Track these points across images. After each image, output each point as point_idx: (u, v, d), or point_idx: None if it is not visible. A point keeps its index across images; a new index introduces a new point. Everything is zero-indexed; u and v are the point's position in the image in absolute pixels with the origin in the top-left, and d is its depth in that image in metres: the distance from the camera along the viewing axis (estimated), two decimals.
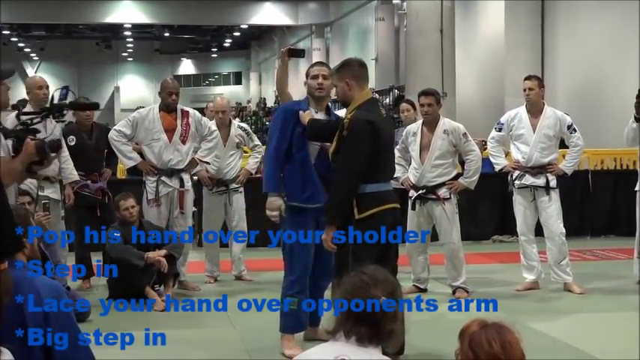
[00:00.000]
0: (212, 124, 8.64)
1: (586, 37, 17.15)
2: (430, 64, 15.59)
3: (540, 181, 8.12)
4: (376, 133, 5.33)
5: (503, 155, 8.50)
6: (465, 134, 7.89)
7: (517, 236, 8.41)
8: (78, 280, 8.43)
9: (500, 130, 8.37)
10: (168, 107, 8.24)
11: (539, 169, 8.13)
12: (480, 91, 21.92)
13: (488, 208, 11.71)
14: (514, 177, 8.25)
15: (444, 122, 7.95)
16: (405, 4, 18.62)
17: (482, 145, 11.79)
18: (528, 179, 8.15)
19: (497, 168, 8.54)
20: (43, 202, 7.48)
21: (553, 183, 8.13)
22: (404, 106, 9.47)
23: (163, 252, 7.66)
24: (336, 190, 5.43)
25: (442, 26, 15.67)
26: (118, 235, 7.68)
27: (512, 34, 18.73)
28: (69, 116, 8.65)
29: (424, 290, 8.12)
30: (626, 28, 15.68)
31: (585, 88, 16.99)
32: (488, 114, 19.66)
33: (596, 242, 11.42)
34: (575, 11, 17.68)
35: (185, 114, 8.32)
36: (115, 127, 8.37)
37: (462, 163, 8.37)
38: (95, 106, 8.03)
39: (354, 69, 5.55)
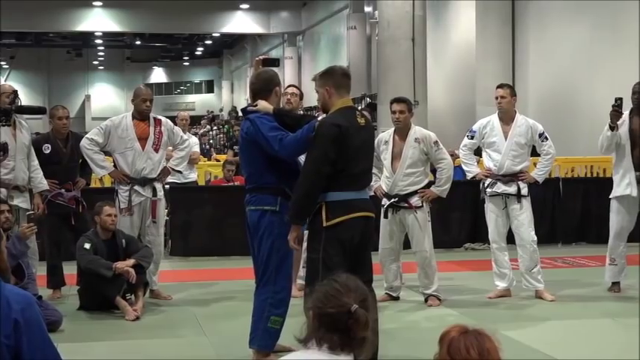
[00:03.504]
0: (186, 134, 8.63)
1: (557, 46, 17.29)
2: (402, 72, 15.62)
3: (512, 189, 8.16)
4: (343, 137, 5.29)
5: (475, 163, 8.54)
6: (436, 142, 7.91)
7: (489, 244, 8.44)
8: (49, 290, 8.36)
9: (472, 137, 8.42)
10: (141, 115, 8.22)
11: (510, 177, 8.16)
12: (452, 100, 22.02)
13: (460, 215, 11.76)
14: (486, 185, 8.29)
15: (416, 130, 7.97)
16: (376, 12, 18.66)
17: (456, 156, 11.85)
18: (500, 187, 8.18)
19: (469, 176, 8.58)
20: (27, 213, 7.46)
21: (524, 191, 8.17)
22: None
23: (132, 262, 7.60)
24: (295, 190, 5.43)
25: (414, 35, 15.70)
26: (88, 245, 7.63)
27: (484, 43, 18.84)
28: (44, 124, 8.62)
29: (396, 298, 8.14)
30: (597, 37, 15.83)
31: (556, 97, 17.12)
32: (460, 122, 19.75)
33: (567, 250, 11.49)
34: (546, 20, 17.82)
35: (158, 122, 8.30)
36: (87, 136, 8.33)
37: (434, 171, 8.41)
38: (42, 111, 8.01)
39: (336, 77, 5.55)
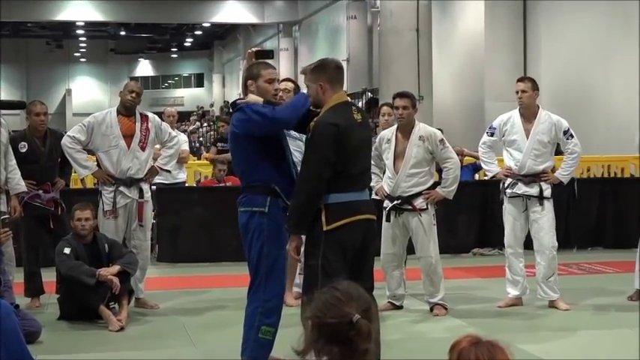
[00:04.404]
0: (174, 131, 8.63)
1: (571, 37, 17.29)
2: (405, 65, 15.63)
3: (533, 190, 8.11)
4: (342, 137, 5.29)
5: (495, 161, 8.50)
6: (442, 140, 7.91)
7: (499, 249, 8.45)
8: (27, 298, 8.35)
9: (492, 134, 8.37)
10: (127, 110, 8.21)
11: (532, 178, 8.12)
12: (459, 95, 22.02)
13: (467, 218, 11.77)
14: (506, 185, 8.25)
15: (420, 128, 7.96)
16: (378, 1, 18.69)
17: (463, 155, 11.87)
18: (521, 188, 8.13)
19: (489, 175, 8.58)
20: (2, 217, 7.44)
21: (547, 192, 8.12)
22: (385, 109, 9.33)
23: (116, 269, 7.57)
24: (295, 197, 5.42)
25: (418, 25, 15.71)
26: (68, 249, 7.61)
27: (493, 34, 18.85)
28: (22, 122, 8.61)
29: (400, 307, 8.13)
30: (612, 28, 15.84)
31: (570, 92, 17.12)
32: (467, 119, 19.78)
33: (582, 255, 11.49)
34: (559, 10, 17.82)
35: (144, 118, 8.29)
36: (68, 133, 8.32)
37: (440, 171, 8.40)
38: (21, 105, 8.00)
39: (329, 72, 5.52)
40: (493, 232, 11.38)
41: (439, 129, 8.58)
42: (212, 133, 32.28)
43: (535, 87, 8.20)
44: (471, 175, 12.65)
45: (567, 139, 8.18)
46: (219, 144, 13.52)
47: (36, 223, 8.41)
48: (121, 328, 7.32)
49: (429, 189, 7.95)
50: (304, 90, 5.93)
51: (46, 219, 8.43)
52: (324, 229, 5.29)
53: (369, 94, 25.60)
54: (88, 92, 56.83)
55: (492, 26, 18.95)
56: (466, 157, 12.37)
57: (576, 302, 8.29)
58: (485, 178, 13.36)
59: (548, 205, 8.13)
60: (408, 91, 8.31)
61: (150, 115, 8.47)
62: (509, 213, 8.24)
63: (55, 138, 8.53)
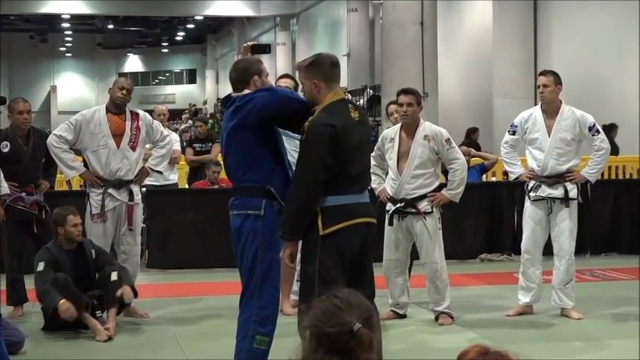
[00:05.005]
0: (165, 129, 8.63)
1: (584, 31, 17.32)
2: (409, 61, 15.64)
3: (558, 191, 8.04)
4: (339, 138, 5.27)
5: (519, 162, 8.43)
6: (448, 140, 7.90)
7: (508, 254, 8.44)
8: (9, 307, 8.34)
9: (514, 133, 8.31)
10: (116, 107, 8.21)
11: (556, 179, 8.06)
12: (465, 92, 22.06)
13: (474, 222, 11.76)
14: (529, 188, 8.20)
15: (425, 126, 7.96)
16: None
17: (470, 155, 11.86)
18: (544, 190, 8.06)
19: (512, 177, 8.54)
20: None
21: (573, 193, 8.04)
22: (393, 107, 9.32)
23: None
24: (290, 201, 5.39)
25: (422, 18, 15.72)
26: (42, 264, 7.53)
27: (501, 28, 18.88)
28: (4, 120, 8.60)
29: (403, 316, 8.13)
30: (629, 20, 15.85)
31: (583, 89, 17.11)
32: (474, 117, 19.78)
33: (595, 261, 11.47)
34: (571, 2, 17.85)
35: (135, 117, 8.28)
36: (54, 132, 8.32)
37: (445, 172, 8.40)
38: (2, 101, 7.99)
39: (324, 69, 5.51)
40: (501, 236, 11.39)
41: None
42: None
43: (558, 81, 8.09)
44: (478, 177, 12.65)
45: (593, 135, 8.07)
46: (195, 145, 13.46)
47: (19, 227, 8.39)
48: (109, 338, 7.31)
49: (434, 191, 7.94)
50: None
51: (30, 223, 8.41)
52: (321, 233, 5.28)
53: (371, 91, 25.60)
54: (73, 89, 56.91)
55: (501, 20, 18.98)
56: (473, 158, 12.38)
57: (590, 311, 8.27)
58: (493, 179, 13.41)
59: (573, 207, 8.06)
60: (413, 88, 8.30)
61: (141, 112, 8.47)
62: (530, 217, 8.19)
63: (39, 137, 8.52)
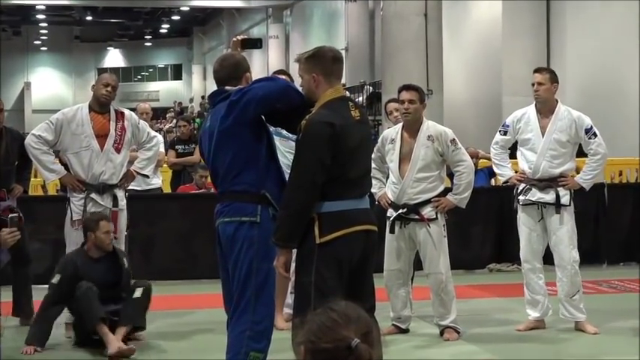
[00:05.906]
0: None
1: (601, 23, 17.34)
2: (412, 55, 15.67)
3: (549, 196, 8.11)
4: (338, 138, 5.28)
5: (509, 164, 8.50)
6: (453, 141, 7.91)
7: (518, 264, 8.45)
8: None
9: (505, 133, 8.37)
10: (100, 105, 8.21)
11: (547, 182, 8.13)
12: (473, 89, 22.08)
13: (482, 229, 11.78)
14: (519, 191, 8.28)
15: (429, 126, 7.97)
16: None
17: (477, 157, 11.88)
18: (535, 194, 8.14)
19: (501, 180, 8.57)
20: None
21: (565, 199, 8.12)
22: (392, 106, 9.35)
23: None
24: (285, 205, 5.39)
25: (426, 9, 15.76)
26: (58, 277, 7.58)
27: (512, 20, 18.90)
28: None
29: (406, 331, 8.15)
30: None
31: (599, 85, 17.17)
32: (482, 116, 19.82)
33: (613, 271, 11.50)
34: None
35: (120, 116, 8.28)
36: (33, 132, 8.30)
37: (451, 175, 8.41)
38: None
39: (325, 63, 5.52)
40: (511, 244, 11.35)
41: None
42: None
43: (554, 79, 8.18)
44: (486, 180, 12.65)
45: (590, 138, 8.15)
46: (177, 146, 13.47)
47: None
48: (123, 356, 7.29)
49: (438, 196, 7.96)
50: (298, 82, 5.94)
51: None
52: (318, 241, 5.28)
53: (370, 88, 25.60)
54: (49, 86, 56.83)
55: (511, 10, 19.00)
56: (481, 160, 12.39)
57: (606, 325, 8.29)
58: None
59: (567, 214, 8.12)
60: (415, 84, 8.31)
61: (126, 112, 8.46)
62: (524, 223, 8.25)
63: (11, 138, 8.52)
